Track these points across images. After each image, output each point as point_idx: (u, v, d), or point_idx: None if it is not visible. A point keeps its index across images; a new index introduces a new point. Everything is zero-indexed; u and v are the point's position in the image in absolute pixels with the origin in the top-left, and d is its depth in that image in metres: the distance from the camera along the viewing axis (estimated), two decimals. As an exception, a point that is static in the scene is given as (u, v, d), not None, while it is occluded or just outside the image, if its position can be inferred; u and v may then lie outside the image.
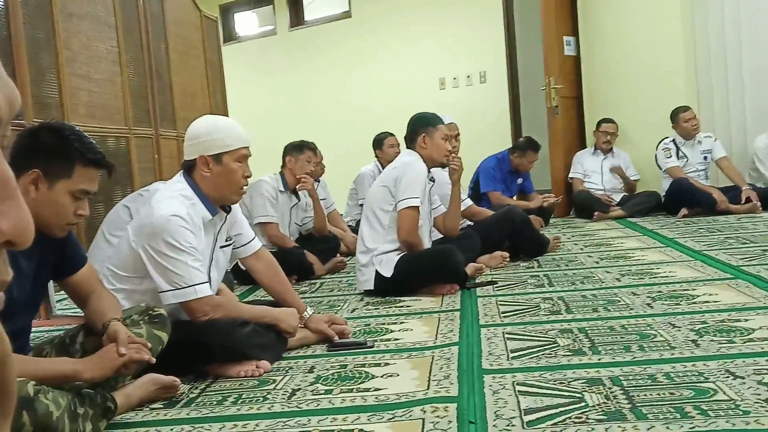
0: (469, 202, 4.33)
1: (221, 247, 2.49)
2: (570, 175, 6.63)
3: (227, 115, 5.83)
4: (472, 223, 4.27)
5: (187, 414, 1.92)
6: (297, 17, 9.13)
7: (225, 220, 2.50)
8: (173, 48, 5.24)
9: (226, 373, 2.23)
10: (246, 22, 9.74)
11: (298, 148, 4.32)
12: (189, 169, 2.41)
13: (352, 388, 2.02)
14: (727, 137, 6.32)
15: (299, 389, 2.06)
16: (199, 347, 2.22)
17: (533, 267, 3.93)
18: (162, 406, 2.01)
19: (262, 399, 2.00)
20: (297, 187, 4.35)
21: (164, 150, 4.96)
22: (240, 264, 3.85)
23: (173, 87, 5.21)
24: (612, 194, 6.36)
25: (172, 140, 5.07)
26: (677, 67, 6.53)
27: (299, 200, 4.38)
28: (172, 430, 1.81)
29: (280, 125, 8.20)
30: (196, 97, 5.56)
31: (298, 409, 1.88)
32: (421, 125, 3.57)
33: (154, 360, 1.92)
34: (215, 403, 2.00)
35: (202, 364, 2.27)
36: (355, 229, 4.93)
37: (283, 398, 1.99)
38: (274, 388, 2.09)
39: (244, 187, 2.45)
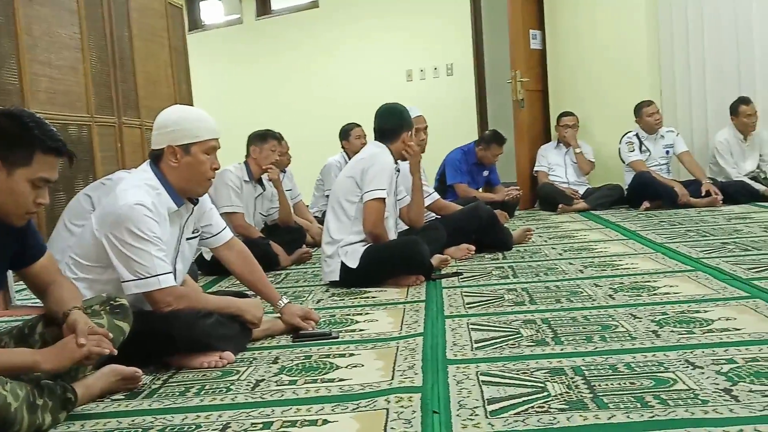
0: (435, 195, 4.32)
1: (188, 239, 2.47)
2: (535, 168, 6.70)
3: (192, 104, 5.77)
4: (439, 217, 4.28)
5: (149, 405, 1.90)
6: (263, 6, 9.06)
7: (192, 212, 2.47)
8: (137, 35, 5.17)
9: (189, 364, 2.21)
10: (212, 10, 9.63)
11: (261, 138, 4.28)
12: (156, 158, 2.37)
13: (317, 379, 2.02)
14: (689, 132, 6.42)
15: (263, 380, 2.05)
16: (161, 338, 2.20)
17: (498, 258, 3.96)
18: (123, 397, 1.99)
19: (225, 390, 1.98)
20: (263, 176, 4.32)
21: (127, 138, 4.90)
22: (204, 255, 3.83)
23: (137, 75, 5.14)
24: (576, 187, 6.44)
25: (135, 129, 5.01)
26: (641, 63, 6.62)
27: (264, 190, 4.35)
28: (133, 421, 1.79)
29: (246, 115, 8.13)
30: (161, 86, 5.49)
31: (261, 400, 1.87)
32: (398, 121, 3.55)
33: (116, 352, 1.89)
34: (177, 394, 1.98)
35: (165, 355, 2.25)
36: (321, 220, 4.92)
37: (247, 389, 1.97)
38: (238, 379, 2.07)
39: (212, 180, 2.43)
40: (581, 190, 6.41)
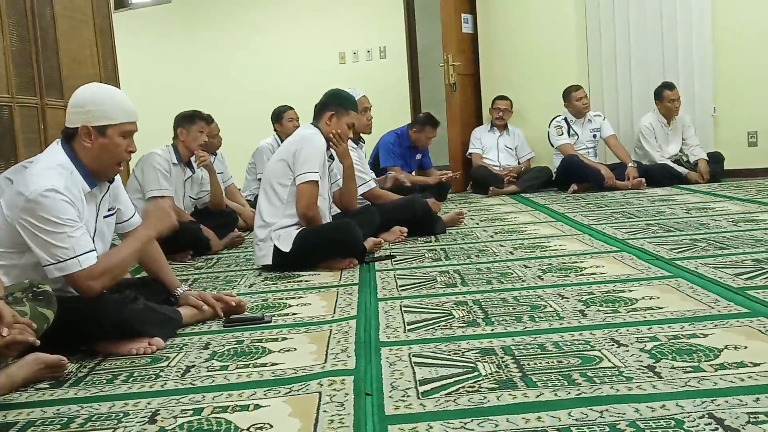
0: (372, 184, 4.31)
1: (104, 217, 2.40)
2: (469, 151, 6.75)
3: (118, 85, 5.61)
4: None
5: (75, 393, 1.86)
6: (193, -15, 8.84)
7: (107, 190, 2.40)
8: (60, 13, 4.98)
9: (117, 350, 2.17)
10: (139, -12, 9.36)
11: (189, 119, 4.17)
12: (69, 137, 2.29)
13: (249, 364, 2.00)
14: (615, 116, 6.59)
15: (193, 366, 2.02)
16: (88, 324, 2.14)
17: (430, 241, 3.99)
18: (48, 386, 1.93)
19: (154, 377, 1.95)
20: (195, 164, 4.24)
21: (51, 120, 4.73)
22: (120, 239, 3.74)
23: (60, 54, 4.95)
24: (509, 170, 6.51)
25: (59, 110, 4.83)
26: (569, 49, 6.74)
27: (193, 173, 4.26)
28: (58, 410, 1.74)
29: (175, 96, 7.93)
30: (85, 65, 5.31)
31: (191, 386, 1.84)
32: (335, 103, 3.52)
33: (38, 342, 1.83)
34: (105, 381, 1.94)
35: (92, 342, 2.20)
36: (253, 204, 4.87)
37: (177, 375, 1.94)
38: (168, 366, 2.04)
39: (121, 164, 2.36)
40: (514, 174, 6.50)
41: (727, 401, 1.48)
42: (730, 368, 1.68)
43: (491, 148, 6.65)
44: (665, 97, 6.07)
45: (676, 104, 6.09)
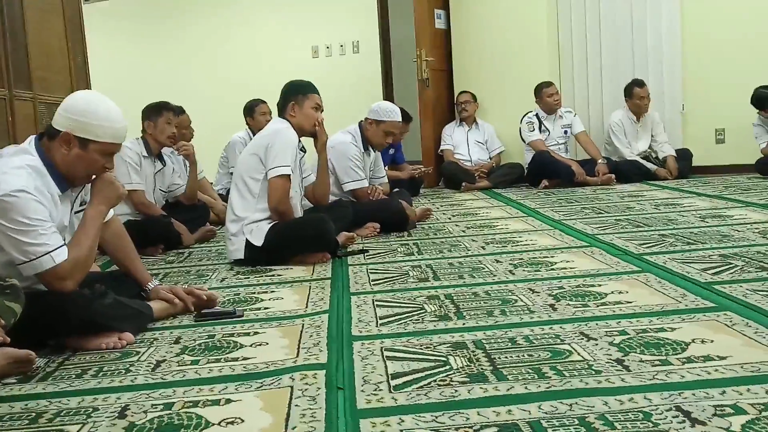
0: (365, 183, 4.29)
1: (76, 212, 2.37)
2: (441, 147, 6.79)
3: (88, 77, 5.54)
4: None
5: (44, 389, 1.83)
6: (164, -23, 8.75)
7: (82, 187, 2.38)
8: (29, 4, 4.90)
9: (87, 345, 2.14)
10: (109, -21, 9.23)
11: (155, 111, 4.12)
12: (50, 135, 2.26)
13: (220, 358, 1.99)
14: (586, 113, 6.66)
15: (164, 360, 2.00)
16: (57, 319, 2.12)
17: (403, 236, 4.00)
18: (16, 381, 1.90)
19: (124, 371, 1.93)
20: (177, 153, 4.21)
21: (19, 112, 4.65)
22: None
23: (29, 46, 4.88)
24: (479, 166, 6.56)
25: (27, 102, 4.77)
26: (541, 45, 6.79)
27: (164, 165, 4.23)
28: (26, 405, 1.72)
29: (147, 89, 7.81)
30: (55, 58, 5.23)
31: (162, 381, 1.83)
32: (292, 93, 3.53)
33: (8, 339, 1.81)
34: (74, 376, 1.92)
35: (61, 337, 2.17)
36: (225, 198, 4.84)
37: (147, 370, 1.93)
38: (138, 360, 2.02)
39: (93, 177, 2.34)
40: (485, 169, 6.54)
41: (694, 394, 1.51)
42: (697, 362, 1.71)
43: (462, 143, 6.71)
44: (635, 94, 6.15)
45: (646, 101, 6.17)
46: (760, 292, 2.28)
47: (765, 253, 2.87)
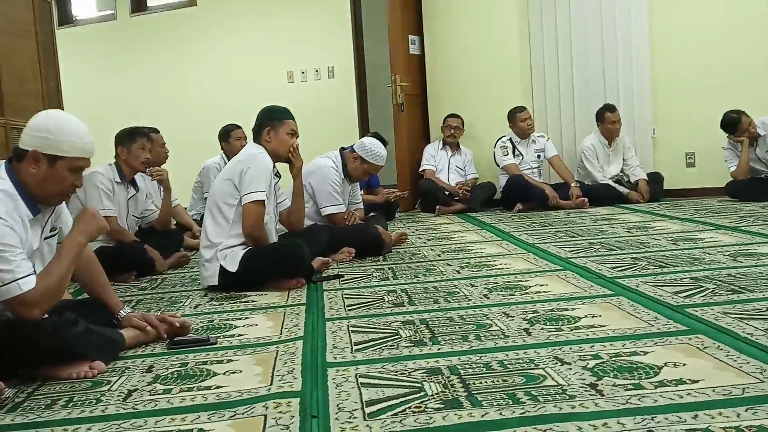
0: (343, 208, 4.30)
1: (46, 238, 2.35)
2: (422, 167, 6.75)
3: (61, 102, 5.51)
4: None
5: (12, 420, 1.80)
6: (138, 2, 8.75)
7: (52, 211, 2.36)
8: (1, 29, 4.88)
9: (57, 375, 2.11)
10: (84, 4, 9.22)
11: (129, 137, 4.09)
12: (18, 157, 2.25)
13: (193, 387, 1.97)
14: (558, 137, 6.74)
15: (136, 389, 1.98)
16: (26, 348, 2.08)
17: (378, 261, 4.00)
18: (-17, 413, 1.87)
19: (95, 401, 1.90)
20: (151, 178, 4.19)
21: (-9, 137, 4.62)
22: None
23: (2, 71, 4.85)
24: (461, 183, 6.55)
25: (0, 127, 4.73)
26: (514, 70, 6.88)
27: (137, 191, 4.20)
28: (-6, 438, 1.69)
29: (120, 115, 7.81)
30: (27, 83, 5.20)
31: (134, 411, 1.81)
32: (268, 119, 3.53)
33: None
34: (44, 407, 1.88)
35: (30, 366, 2.13)
36: (200, 223, 4.81)
37: (119, 400, 1.90)
38: (109, 390, 1.99)
39: (68, 195, 2.32)
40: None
41: (666, 418, 1.52)
42: (669, 385, 1.72)
43: (442, 167, 6.70)
44: (606, 118, 6.23)
45: (617, 126, 6.25)
46: (731, 315, 2.31)
47: (736, 276, 2.91)
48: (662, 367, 1.85)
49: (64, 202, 2.44)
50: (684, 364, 1.87)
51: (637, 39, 6.50)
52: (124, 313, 2.48)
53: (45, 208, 2.31)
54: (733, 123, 5.70)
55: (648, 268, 3.21)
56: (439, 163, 6.73)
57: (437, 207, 6.34)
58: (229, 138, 5.81)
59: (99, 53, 8.74)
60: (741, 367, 1.81)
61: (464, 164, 6.77)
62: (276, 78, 8.02)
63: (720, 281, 2.83)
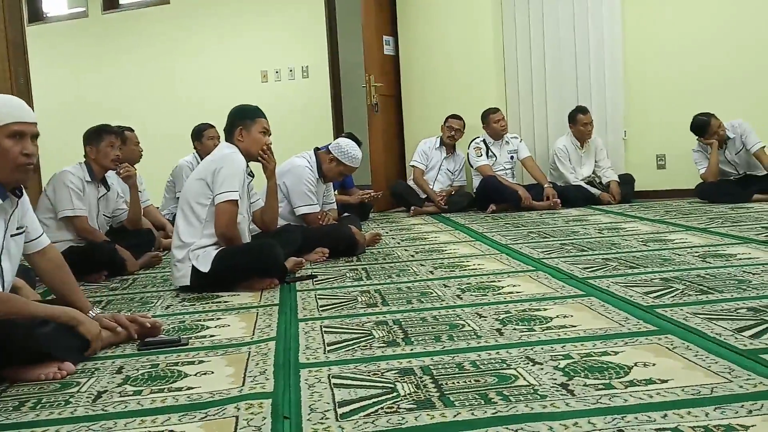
0: (317, 209, 4.29)
1: (12, 235, 2.31)
2: (412, 161, 6.60)
3: (31, 100, 5.43)
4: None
5: (-22, 423, 1.77)
6: (111, 0, 8.66)
7: (16, 206, 2.32)
8: (-32, 25, 4.81)
9: (25, 376, 2.08)
10: (55, 1, 9.11)
11: (96, 135, 4.02)
12: None
13: (163, 388, 1.95)
14: (532, 138, 6.78)
15: (105, 391, 1.95)
16: (-6, 349, 2.05)
17: (352, 261, 4.00)
18: (-52, 415, 1.84)
19: (64, 403, 1.87)
20: (108, 174, 4.14)
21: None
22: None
23: (-32, 68, 4.78)
24: (441, 193, 6.48)
25: (-35, 125, 4.65)
26: (488, 72, 6.91)
27: (108, 190, 4.15)
28: (-41, 441, 1.66)
29: (91, 114, 7.73)
30: (-5, 80, 5.13)
31: (103, 412, 1.79)
32: (239, 118, 3.51)
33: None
34: (11, 409, 1.85)
35: (-2, 367, 2.10)
36: (173, 223, 4.77)
37: (88, 401, 1.88)
38: (78, 391, 1.97)
39: (28, 165, 2.26)
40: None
41: (636, 418, 1.53)
42: (639, 385, 1.73)
43: (433, 167, 6.54)
44: (579, 120, 6.29)
45: (589, 128, 6.31)
46: (700, 315, 2.34)
47: (704, 277, 2.95)
48: (632, 367, 1.87)
49: (27, 199, 2.40)
50: (654, 364, 1.89)
51: (609, 42, 6.57)
52: (93, 314, 2.45)
53: (10, 200, 2.27)
54: (703, 126, 5.78)
55: (619, 269, 3.25)
56: (431, 162, 6.56)
57: (412, 207, 6.35)
58: (202, 137, 5.77)
59: (70, 51, 8.64)
60: (709, 366, 1.83)
61: (455, 169, 6.63)
62: (250, 77, 7.98)
63: (689, 282, 2.87)
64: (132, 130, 4.96)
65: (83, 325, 2.26)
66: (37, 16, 8.87)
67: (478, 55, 6.93)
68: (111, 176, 4.24)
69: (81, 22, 8.72)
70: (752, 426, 1.45)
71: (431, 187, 6.50)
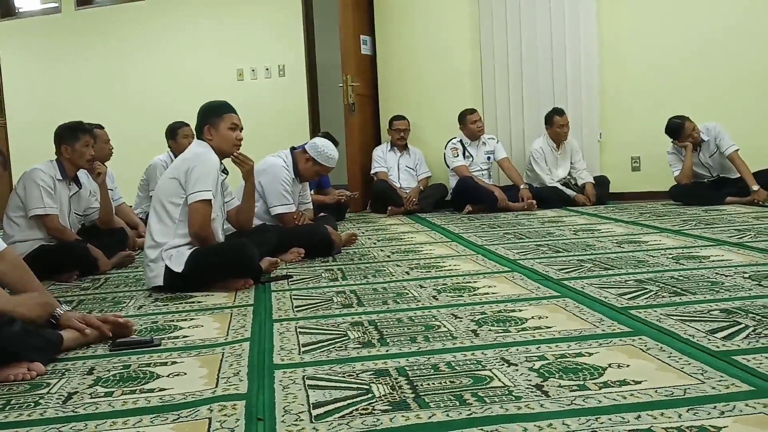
0: (293, 208, 4.26)
1: None
2: (374, 170, 6.75)
3: (2, 96, 5.36)
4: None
5: (-56, 425, 1.74)
6: (85, -5, 8.56)
7: None
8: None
9: (-7, 377, 2.04)
10: (27, -4, 8.98)
11: (72, 134, 3.95)
12: None
13: (135, 390, 1.92)
14: (508, 140, 6.80)
15: (76, 392, 1.92)
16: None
17: (328, 261, 3.98)
18: None
19: (33, 404, 1.84)
20: (80, 172, 4.08)
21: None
22: None
23: (-63, 62, 4.70)
24: (407, 190, 6.57)
25: (-66, 121, 4.58)
26: (464, 73, 6.94)
27: (80, 188, 4.09)
28: (-77, 444, 1.63)
29: (65, 110, 7.64)
30: (-35, 75, 5.06)
31: (73, 414, 1.76)
32: (207, 116, 3.47)
33: None
34: (-22, 411, 1.82)
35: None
36: (146, 221, 4.73)
37: (58, 403, 1.85)
38: (48, 393, 1.93)
39: None
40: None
41: (610, 419, 1.53)
42: (613, 386, 1.74)
43: (392, 168, 6.72)
44: (555, 122, 6.32)
45: (565, 129, 6.35)
46: (674, 317, 2.35)
47: (678, 279, 2.97)
48: (606, 368, 1.88)
49: None
50: (627, 365, 1.89)
51: (585, 44, 6.61)
52: (62, 311, 2.40)
53: None
54: (678, 128, 5.83)
55: (593, 270, 3.26)
56: (388, 164, 6.73)
57: (389, 207, 6.35)
58: (176, 135, 5.72)
59: (43, 47, 8.51)
60: (683, 368, 1.84)
61: (414, 164, 6.79)
62: (226, 75, 7.93)
63: (663, 283, 2.89)
64: (102, 128, 4.90)
65: (21, 306, 2.23)
66: (9, 11, 8.74)
67: (455, 56, 6.95)
68: (82, 174, 4.19)
69: (54, 17, 8.59)
70: (724, 427, 1.46)
71: (399, 187, 6.61)
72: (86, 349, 2.37)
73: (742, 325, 2.21)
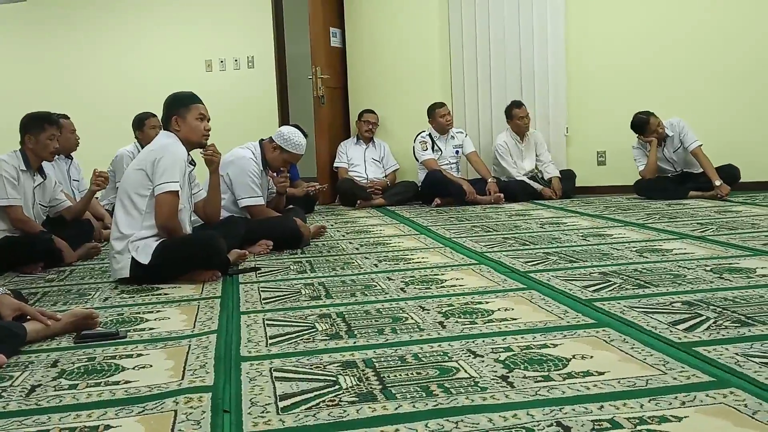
0: (261, 201, 4.22)
1: None
2: (335, 164, 6.81)
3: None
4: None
5: None
6: (49, -17, 8.40)
7: None
8: None
9: (-46, 370, 2.01)
10: (-12, -18, 8.80)
11: (37, 124, 3.88)
12: None
13: (100, 382, 1.91)
14: (476, 133, 6.84)
15: (39, 385, 1.90)
16: None
17: (296, 254, 3.97)
18: None
19: (-5, 398, 1.82)
20: (44, 163, 4.02)
21: None
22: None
23: None
24: (374, 183, 6.61)
25: None
26: (434, 67, 6.96)
27: (44, 179, 4.03)
28: None
29: (27, 101, 7.50)
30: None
31: (37, 407, 1.74)
32: (174, 106, 3.43)
33: None
34: (-62, 405, 1.79)
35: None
36: (112, 213, 4.67)
37: (21, 396, 1.83)
38: (11, 385, 1.91)
39: None
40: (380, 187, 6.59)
41: (574, 409, 1.56)
42: (577, 377, 1.77)
43: (358, 160, 6.75)
44: (515, 115, 6.37)
45: (526, 121, 6.40)
46: (637, 309, 2.39)
47: (641, 271, 3.02)
48: (570, 359, 1.91)
49: None
50: (591, 357, 1.92)
51: (553, 40, 6.66)
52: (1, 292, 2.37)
53: None
54: (643, 124, 5.90)
55: (559, 263, 3.30)
56: (354, 158, 6.77)
57: (358, 201, 6.36)
58: (143, 126, 5.65)
59: (6, 36, 8.35)
60: (645, 359, 1.87)
61: (380, 156, 6.82)
62: (194, 66, 7.84)
63: (627, 276, 2.93)
64: (67, 118, 4.82)
65: None
66: (-29, -2, 8.55)
67: (425, 49, 6.96)
68: (47, 165, 4.13)
69: (18, 6, 8.42)
70: (685, 417, 1.49)
71: (366, 179, 6.64)
72: (50, 341, 2.34)
73: (704, 317, 2.26)
